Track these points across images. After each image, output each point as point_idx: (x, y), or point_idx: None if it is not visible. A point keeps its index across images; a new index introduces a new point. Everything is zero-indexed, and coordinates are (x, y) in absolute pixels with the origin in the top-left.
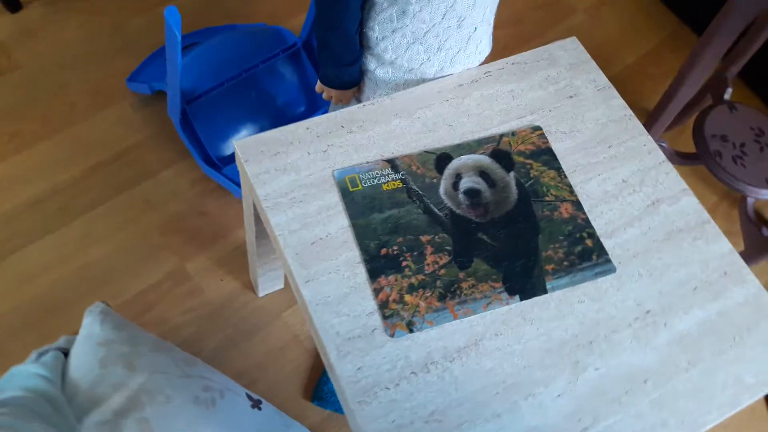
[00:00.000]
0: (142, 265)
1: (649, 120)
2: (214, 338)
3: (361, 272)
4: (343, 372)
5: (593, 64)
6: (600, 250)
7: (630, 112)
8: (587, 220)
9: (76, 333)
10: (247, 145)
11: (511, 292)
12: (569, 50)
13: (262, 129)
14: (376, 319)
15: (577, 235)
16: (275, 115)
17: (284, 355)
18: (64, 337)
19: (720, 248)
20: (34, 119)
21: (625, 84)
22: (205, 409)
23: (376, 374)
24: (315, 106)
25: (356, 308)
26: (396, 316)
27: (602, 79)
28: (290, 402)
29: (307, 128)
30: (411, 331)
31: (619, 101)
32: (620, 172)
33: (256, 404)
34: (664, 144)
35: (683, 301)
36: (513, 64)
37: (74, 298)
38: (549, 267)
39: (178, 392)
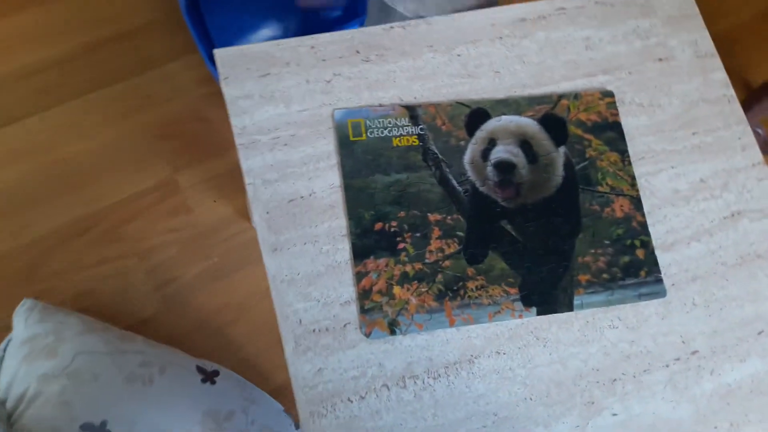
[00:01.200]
0: (129, 169)
1: (748, 99)
2: (195, 266)
3: (345, 248)
4: (298, 371)
5: (700, 21)
6: (652, 265)
7: (732, 92)
8: (644, 225)
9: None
10: (229, 58)
11: (528, 302)
12: None
13: (287, 31)
14: (352, 312)
15: (628, 242)
16: (304, 15)
17: (270, 298)
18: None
19: None
20: None
21: (729, 45)
22: (141, 386)
23: (340, 381)
24: (354, 11)
25: (330, 294)
26: (377, 312)
27: (707, 43)
28: (267, 352)
29: (312, 47)
30: (392, 332)
31: (721, 75)
32: (700, 169)
33: (210, 377)
34: (760, 130)
35: (741, 346)
36: (596, 3)
37: (43, 196)
38: (583, 277)
39: (106, 370)
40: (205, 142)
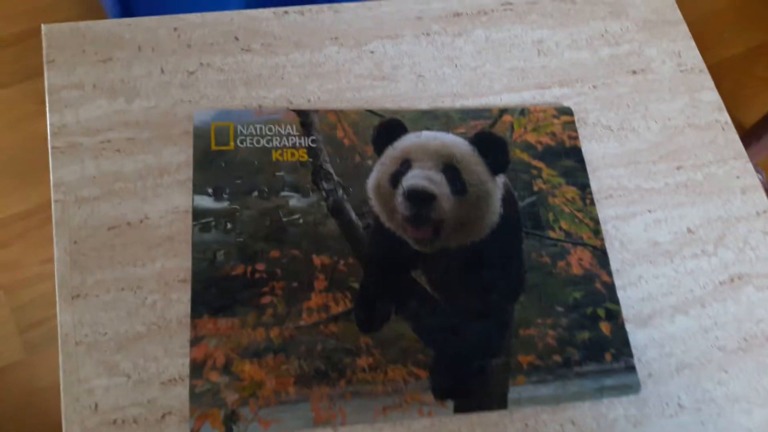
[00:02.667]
0: (11, 185)
1: (746, 137)
2: None
3: (183, 300)
4: None
5: (684, 28)
6: (621, 345)
7: (727, 118)
8: (612, 288)
9: None
10: (60, 35)
11: (442, 393)
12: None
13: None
14: (179, 395)
15: (588, 311)
16: None
17: None
18: None
19: None
20: None
21: (719, 82)
22: None
23: None
24: None
25: (149, 367)
26: (213, 398)
27: (693, 55)
28: None
29: (175, 29)
30: (228, 431)
31: (712, 96)
32: (687, 215)
33: None
34: (761, 176)
35: None
36: (552, 0)
37: None
38: (524, 359)
39: None
40: None
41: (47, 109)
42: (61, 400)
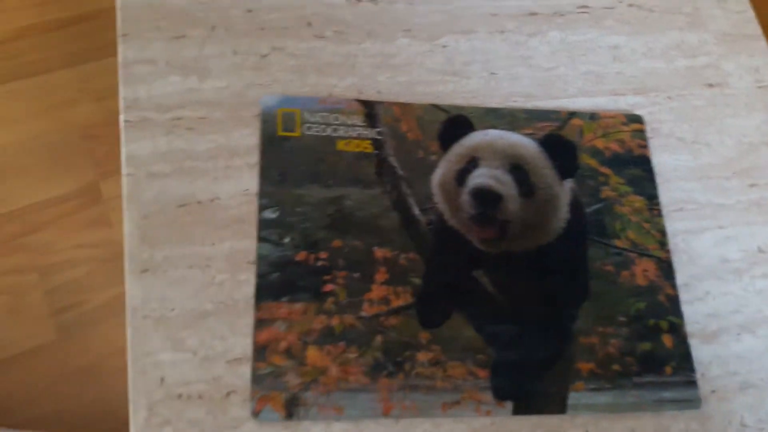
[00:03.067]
0: (48, 170)
1: None
2: (104, 292)
3: (249, 281)
4: None
5: (764, 44)
6: (683, 359)
7: None
8: (676, 301)
9: None
10: (135, 10)
11: (502, 393)
12: (729, 11)
13: None
14: (242, 375)
15: (651, 323)
16: None
17: None
18: None
19: None
20: None
21: None
22: None
23: None
24: None
25: (215, 345)
26: (275, 381)
27: None
28: None
29: (249, 11)
30: (290, 415)
31: None
32: (759, 234)
33: None
34: None
35: None
36: (630, 6)
37: None
38: (584, 366)
39: None
40: None
41: (120, 82)
42: (128, 371)
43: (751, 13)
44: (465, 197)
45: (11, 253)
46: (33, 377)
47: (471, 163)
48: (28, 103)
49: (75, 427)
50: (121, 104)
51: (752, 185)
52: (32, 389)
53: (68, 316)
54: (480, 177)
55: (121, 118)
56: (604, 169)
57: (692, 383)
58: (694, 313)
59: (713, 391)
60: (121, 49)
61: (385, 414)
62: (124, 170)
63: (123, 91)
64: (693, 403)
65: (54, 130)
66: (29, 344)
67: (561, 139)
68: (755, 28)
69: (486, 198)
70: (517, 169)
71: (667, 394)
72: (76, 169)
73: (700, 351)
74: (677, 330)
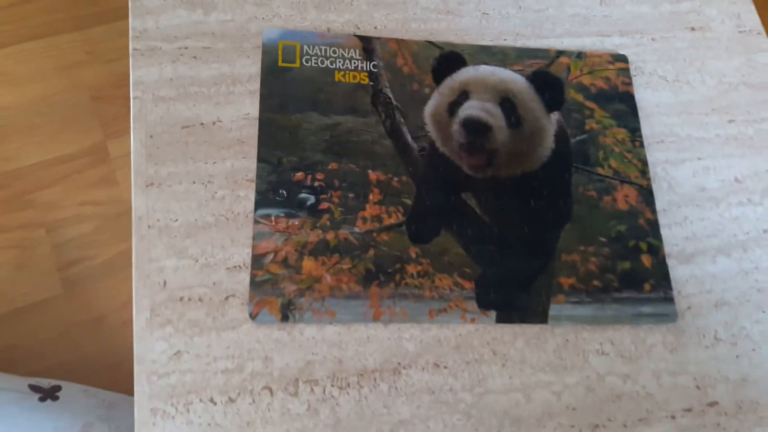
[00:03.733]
0: (56, 130)
1: None
2: (110, 248)
3: (249, 197)
4: (147, 352)
5: None
6: (661, 278)
7: None
8: (655, 225)
9: None
10: None
11: (486, 303)
12: None
13: None
14: (241, 281)
15: (631, 243)
16: None
17: None
18: None
19: None
20: None
21: None
22: None
23: (204, 372)
24: None
25: (215, 253)
26: (272, 288)
27: (752, 17)
28: None
29: None
30: (285, 318)
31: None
32: (736, 166)
33: (49, 394)
34: None
35: None
36: None
37: None
38: (565, 281)
39: None
40: None
41: (130, 13)
42: (133, 276)
43: None
44: (456, 127)
45: (20, 210)
46: (39, 329)
47: (462, 95)
48: (36, 65)
49: (80, 378)
50: (131, 34)
51: (730, 121)
52: (38, 341)
53: (74, 270)
54: (470, 109)
55: (131, 46)
56: (590, 104)
57: (669, 299)
58: (672, 236)
59: (689, 308)
60: None
61: (375, 319)
62: (132, 94)
63: (132, 22)
64: (669, 317)
65: (62, 91)
66: (36, 297)
67: (548, 74)
68: None
69: (476, 128)
70: (506, 102)
71: (645, 309)
72: (84, 129)
73: (677, 271)
74: (656, 251)
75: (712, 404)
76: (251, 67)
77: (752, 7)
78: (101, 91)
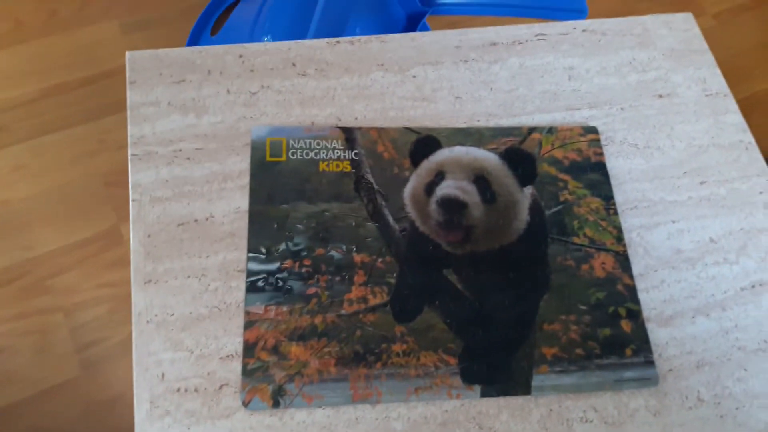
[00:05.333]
0: (72, 217)
1: None
2: (125, 328)
3: (240, 288)
4: None
5: (710, 57)
6: (642, 342)
7: (750, 138)
8: (633, 290)
9: None
10: (141, 60)
11: (470, 378)
12: (676, 30)
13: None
14: (233, 370)
15: (610, 310)
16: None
17: None
18: None
19: None
20: (8, 20)
21: (750, 114)
22: None
23: None
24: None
25: (209, 344)
26: (263, 374)
27: (717, 81)
28: None
29: (240, 56)
30: (275, 404)
31: (736, 118)
32: (710, 226)
33: None
34: None
35: None
36: (584, 31)
37: None
38: (548, 351)
39: None
40: None
41: (128, 122)
42: (133, 370)
43: (697, 31)
44: (433, 206)
45: (39, 295)
46: (61, 411)
47: (438, 176)
48: (52, 156)
49: None
50: (129, 141)
51: (702, 182)
52: (60, 422)
53: (92, 351)
54: (446, 188)
55: (129, 151)
56: (563, 176)
57: (650, 363)
58: (650, 299)
59: (670, 370)
60: (129, 95)
61: (363, 400)
62: (131, 196)
63: (131, 130)
64: (651, 381)
65: (77, 179)
66: (56, 380)
67: (520, 151)
68: (701, 43)
69: (451, 206)
70: (480, 179)
71: (628, 374)
72: (98, 214)
73: (657, 334)
74: (635, 315)
75: None
76: (241, 164)
77: (717, 71)
78: (113, 176)
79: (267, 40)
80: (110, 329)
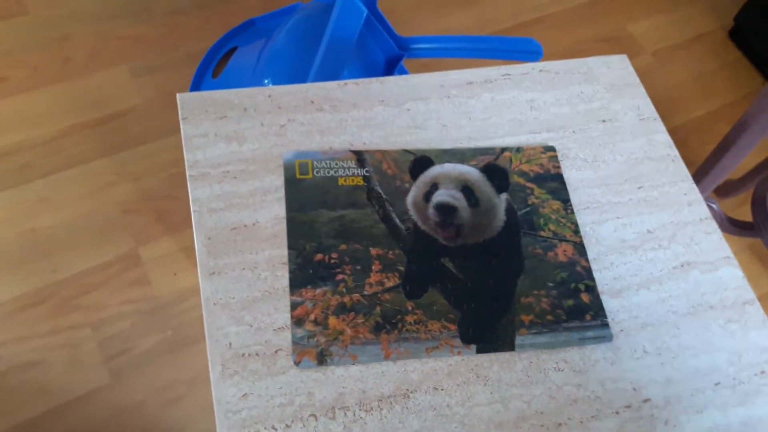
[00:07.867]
0: (94, 242)
1: (697, 174)
2: (148, 339)
3: (284, 276)
4: (223, 395)
5: (641, 89)
6: (598, 309)
7: (675, 152)
8: (589, 270)
9: None
10: (190, 101)
11: (467, 339)
12: (614, 68)
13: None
14: (285, 338)
15: (572, 286)
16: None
17: None
18: None
19: (762, 340)
20: (26, 67)
21: (686, 139)
22: None
23: (265, 407)
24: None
25: (264, 319)
26: (308, 341)
27: (648, 108)
28: None
29: (269, 96)
30: (321, 362)
31: (663, 137)
32: (647, 221)
33: None
34: (713, 205)
35: (698, 397)
36: (540, 71)
37: (9, 264)
38: (525, 318)
39: None
40: (170, 218)
41: (184, 150)
42: (206, 341)
43: (631, 69)
44: (431, 210)
45: (68, 313)
46: (92, 416)
47: (433, 186)
48: (73, 189)
49: None
50: (187, 164)
51: (639, 187)
52: (92, 427)
53: (119, 361)
54: (440, 196)
55: (188, 173)
56: (530, 185)
57: (606, 325)
58: (603, 278)
59: (621, 330)
60: (183, 128)
61: (387, 358)
62: (192, 208)
63: (187, 156)
64: (607, 338)
65: (97, 209)
66: (87, 388)
67: (496, 166)
68: (634, 78)
69: (445, 210)
70: (466, 188)
71: (588, 334)
72: (117, 239)
73: (609, 303)
74: (592, 290)
75: (646, 401)
76: (276, 181)
77: (648, 101)
78: (130, 205)
79: (267, 83)
80: (133, 341)
